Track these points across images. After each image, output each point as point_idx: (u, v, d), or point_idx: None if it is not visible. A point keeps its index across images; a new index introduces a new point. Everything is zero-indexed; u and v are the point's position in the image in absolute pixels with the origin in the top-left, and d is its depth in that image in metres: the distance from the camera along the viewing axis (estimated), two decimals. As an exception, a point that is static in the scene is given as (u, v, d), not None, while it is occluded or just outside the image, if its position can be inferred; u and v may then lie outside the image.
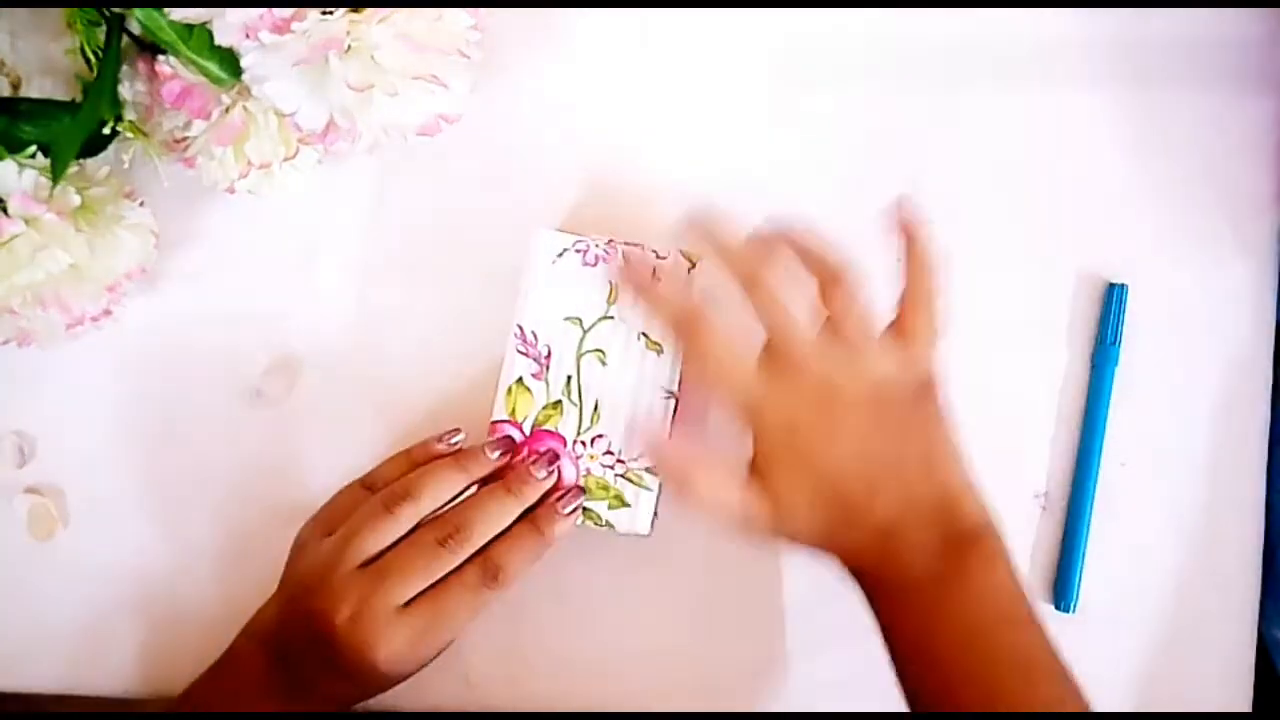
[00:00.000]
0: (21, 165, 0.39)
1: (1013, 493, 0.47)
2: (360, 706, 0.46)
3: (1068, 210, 0.48)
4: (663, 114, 0.48)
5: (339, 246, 0.48)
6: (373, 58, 0.37)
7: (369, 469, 0.45)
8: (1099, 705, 0.46)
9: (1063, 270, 0.47)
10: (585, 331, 0.43)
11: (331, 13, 0.37)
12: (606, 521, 0.43)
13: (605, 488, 0.43)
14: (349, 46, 0.37)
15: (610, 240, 0.44)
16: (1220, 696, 0.46)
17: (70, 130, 0.39)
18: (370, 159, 0.46)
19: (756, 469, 0.39)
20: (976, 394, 0.47)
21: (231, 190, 0.42)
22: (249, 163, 0.41)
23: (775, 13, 0.48)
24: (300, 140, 0.42)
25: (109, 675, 0.46)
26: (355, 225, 0.48)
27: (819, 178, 0.48)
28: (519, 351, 0.43)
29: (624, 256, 0.43)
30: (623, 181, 0.48)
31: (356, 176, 0.47)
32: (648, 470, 0.43)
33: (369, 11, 0.37)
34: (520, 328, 0.43)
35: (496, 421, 0.43)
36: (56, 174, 0.39)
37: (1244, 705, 0.46)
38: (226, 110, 0.40)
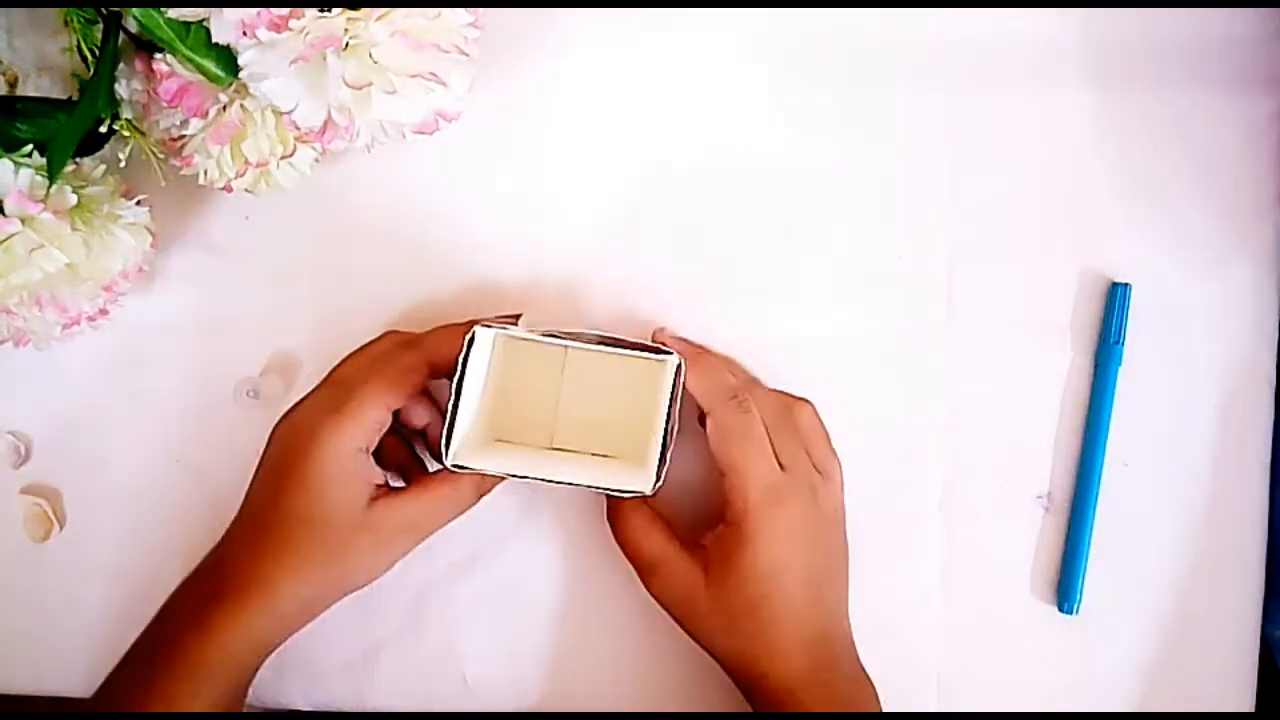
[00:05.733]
0: (18, 164, 0.39)
1: (1015, 493, 0.47)
2: (357, 708, 0.46)
3: (1071, 210, 0.47)
4: (663, 113, 0.48)
5: (336, 245, 0.47)
6: (371, 55, 0.37)
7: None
8: (1101, 705, 0.46)
9: (1066, 270, 0.47)
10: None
11: (329, 10, 0.36)
12: None
13: None
14: (347, 44, 0.37)
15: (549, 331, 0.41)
16: (1223, 697, 0.46)
17: (67, 128, 0.39)
18: (368, 157, 0.46)
19: (720, 540, 0.41)
20: (979, 394, 0.47)
21: (229, 189, 0.42)
22: (246, 161, 0.41)
23: (774, 14, 0.48)
24: (298, 138, 0.41)
25: (104, 678, 0.46)
26: (352, 224, 0.47)
27: (820, 179, 0.48)
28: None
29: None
30: (623, 181, 0.48)
31: (354, 175, 0.47)
32: None
33: (367, 9, 0.37)
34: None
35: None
36: (53, 173, 0.39)
37: (1247, 705, 0.46)
38: (224, 108, 0.40)
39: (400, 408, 0.42)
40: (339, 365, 0.43)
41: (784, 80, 0.48)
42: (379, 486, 0.41)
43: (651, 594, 0.42)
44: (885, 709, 0.46)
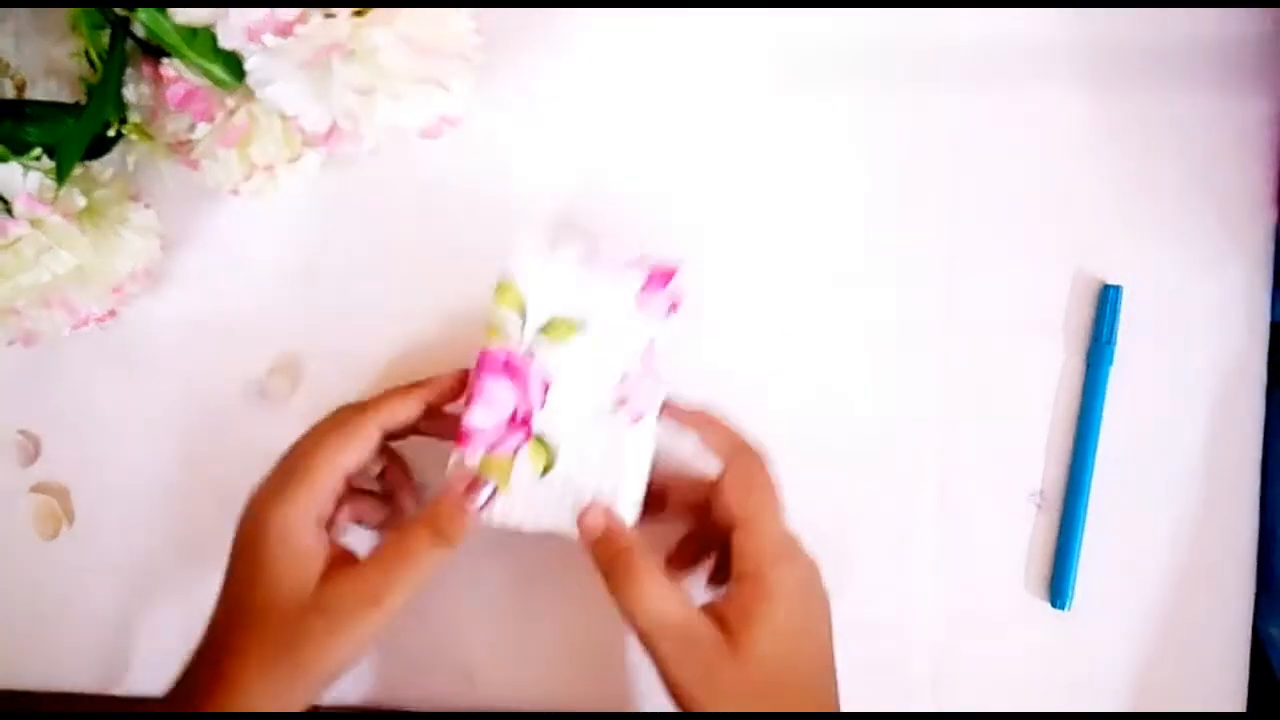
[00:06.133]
0: (27, 167, 0.39)
1: (1008, 491, 0.47)
2: (362, 704, 0.47)
3: (1063, 211, 0.48)
4: (663, 113, 0.48)
5: (342, 247, 0.48)
6: (376, 61, 0.38)
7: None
8: (1094, 701, 0.47)
9: (1058, 271, 0.48)
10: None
11: (334, 15, 0.37)
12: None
13: (501, 467, 0.41)
14: (352, 50, 0.37)
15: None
16: (1215, 695, 0.47)
17: (75, 132, 0.40)
18: (373, 160, 0.46)
19: (735, 598, 0.38)
20: (973, 393, 0.48)
21: (235, 192, 0.43)
22: (253, 165, 0.41)
23: (773, 14, 0.48)
24: (304, 143, 0.42)
25: (113, 674, 0.47)
26: (358, 226, 0.48)
27: (817, 179, 0.48)
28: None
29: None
30: (624, 183, 0.48)
31: (359, 178, 0.48)
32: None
33: (372, 14, 0.37)
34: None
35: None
36: (61, 176, 0.39)
37: (1239, 704, 0.47)
38: (230, 113, 0.40)
39: (354, 471, 0.40)
40: (293, 444, 0.41)
41: (783, 80, 0.48)
42: (335, 563, 0.38)
43: (664, 669, 0.37)
44: (881, 707, 0.46)
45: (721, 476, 0.40)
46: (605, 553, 0.39)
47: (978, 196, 0.48)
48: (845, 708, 0.40)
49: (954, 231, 0.48)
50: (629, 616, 0.37)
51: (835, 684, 0.39)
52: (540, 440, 0.41)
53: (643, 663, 0.46)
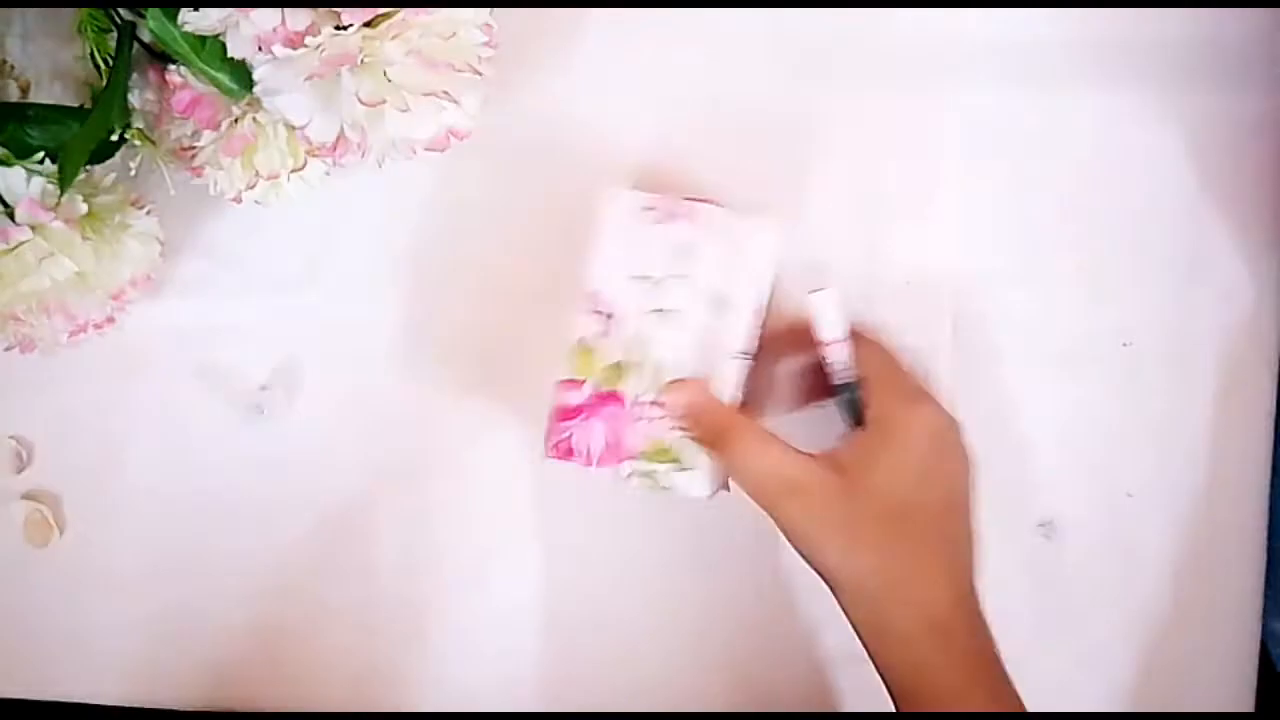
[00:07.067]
0: (30, 171, 0.39)
1: (1016, 520, 0.47)
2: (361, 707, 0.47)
3: (1067, 220, 0.48)
4: (665, 115, 0.48)
5: (344, 257, 0.48)
6: (385, 74, 0.37)
7: (370, 480, 0.45)
8: (1100, 704, 0.47)
9: (1068, 280, 0.47)
10: (654, 287, 0.41)
11: (345, 28, 0.37)
12: (663, 486, 0.41)
13: (664, 450, 0.40)
14: (362, 61, 0.37)
15: (687, 198, 0.42)
16: (1222, 694, 0.47)
17: (80, 137, 0.39)
18: (376, 168, 0.46)
19: (858, 441, 0.39)
20: (980, 407, 0.47)
21: (238, 200, 0.42)
22: (257, 173, 0.41)
23: (776, 15, 0.48)
24: (309, 152, 0.42)
25: (104, 683, 0.46)
26: (360, 236, 0.48)
27: (823, 180, 0.48)
28: (587, 311, 0.41)
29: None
30: (623, 184, 0.48)
31: (363, 188, 0.47)
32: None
33: (383, 27, 0.37)
34: (588, 288, 0.41)
35: (563, 380, 0.41)
36: (64, 181, 0.39)
37: (1246, 704, 0.46)
38: (236, 121, 0.40)
39: None
40: None
41: (788, 82, 0.48)
42: None
43: (778, 521, 0.38)
44: (882, 706, 0.46)
45: (856, 348, 0.41)
46: (701, 429, 0.40)
47: (982, 204, 0.48)
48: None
49: (956, 232, 0.48)
50: (735, 479, 0.39)
51: (968, 539, 0.39)
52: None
53: (643, 662, 0.46)
